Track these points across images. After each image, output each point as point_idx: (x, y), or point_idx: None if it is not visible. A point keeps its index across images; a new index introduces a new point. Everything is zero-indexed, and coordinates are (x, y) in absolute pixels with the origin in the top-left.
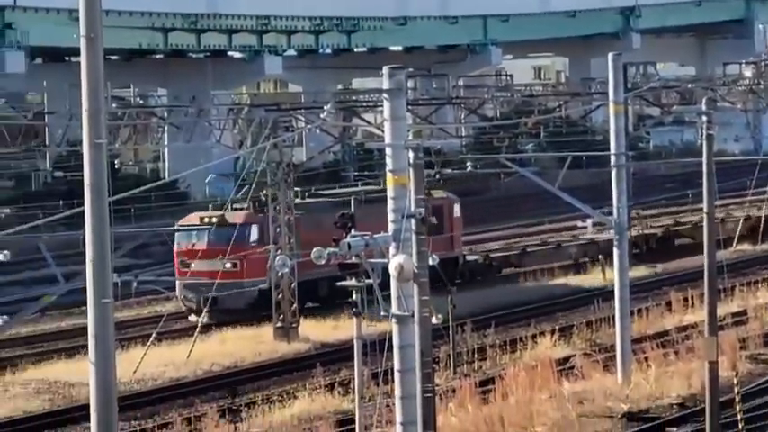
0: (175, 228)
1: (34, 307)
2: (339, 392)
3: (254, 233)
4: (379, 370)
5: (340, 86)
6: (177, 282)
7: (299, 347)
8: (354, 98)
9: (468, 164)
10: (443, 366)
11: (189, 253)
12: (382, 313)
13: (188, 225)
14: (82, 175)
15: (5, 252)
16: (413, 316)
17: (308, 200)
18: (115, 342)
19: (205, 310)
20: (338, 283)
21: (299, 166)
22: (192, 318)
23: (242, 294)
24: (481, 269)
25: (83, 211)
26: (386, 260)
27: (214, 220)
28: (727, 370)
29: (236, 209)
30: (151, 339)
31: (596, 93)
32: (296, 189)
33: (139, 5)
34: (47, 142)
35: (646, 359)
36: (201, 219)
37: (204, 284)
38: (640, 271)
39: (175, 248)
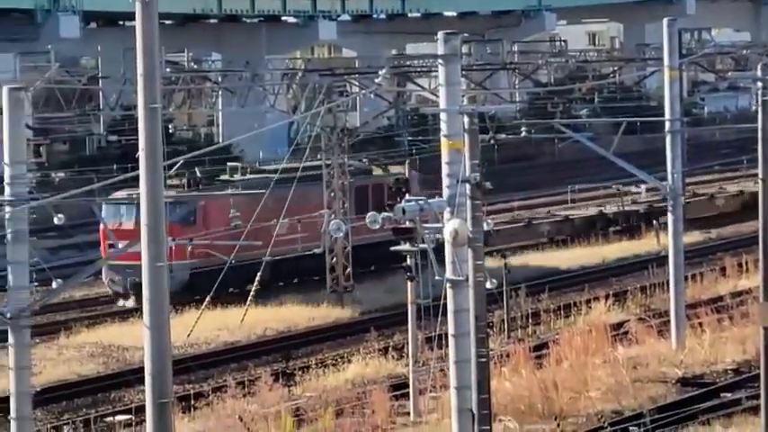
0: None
1: (89, 270)
2: (393, 357)
3: (185, 212)
4: (434, 334)
5: (394, 51)
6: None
7: (353, 312)
8: (409, 63)
9: (523, 129)
10: (497, 331)
11: (115, 232)
12: (437, 278)
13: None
14: (136, 139)
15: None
16: (467, 281)
17: (249, 176)
18: (169, 306)
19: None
20: (392, 248)
21: (354, 131)
22: (121, 302)
23: (170, 278)
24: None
25: (137, 176)
26: (440, 225)
27: None
28: None
29: (170, 186)
30: (205, 303)
31: (651, 59)
32: (237, 165)
33: None
34: (101, 106)
35: (700, 324)
36: (130, 195)
37: (131, 266)
38: (694, 236)
39: (101, 227)
